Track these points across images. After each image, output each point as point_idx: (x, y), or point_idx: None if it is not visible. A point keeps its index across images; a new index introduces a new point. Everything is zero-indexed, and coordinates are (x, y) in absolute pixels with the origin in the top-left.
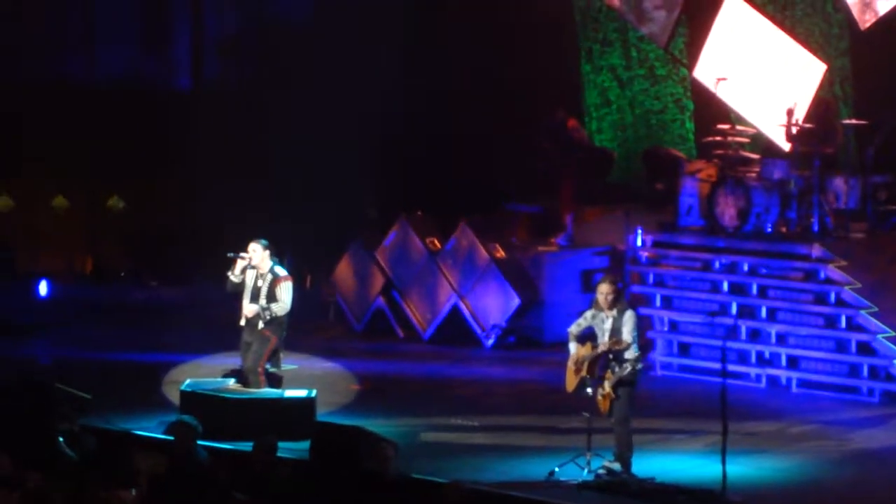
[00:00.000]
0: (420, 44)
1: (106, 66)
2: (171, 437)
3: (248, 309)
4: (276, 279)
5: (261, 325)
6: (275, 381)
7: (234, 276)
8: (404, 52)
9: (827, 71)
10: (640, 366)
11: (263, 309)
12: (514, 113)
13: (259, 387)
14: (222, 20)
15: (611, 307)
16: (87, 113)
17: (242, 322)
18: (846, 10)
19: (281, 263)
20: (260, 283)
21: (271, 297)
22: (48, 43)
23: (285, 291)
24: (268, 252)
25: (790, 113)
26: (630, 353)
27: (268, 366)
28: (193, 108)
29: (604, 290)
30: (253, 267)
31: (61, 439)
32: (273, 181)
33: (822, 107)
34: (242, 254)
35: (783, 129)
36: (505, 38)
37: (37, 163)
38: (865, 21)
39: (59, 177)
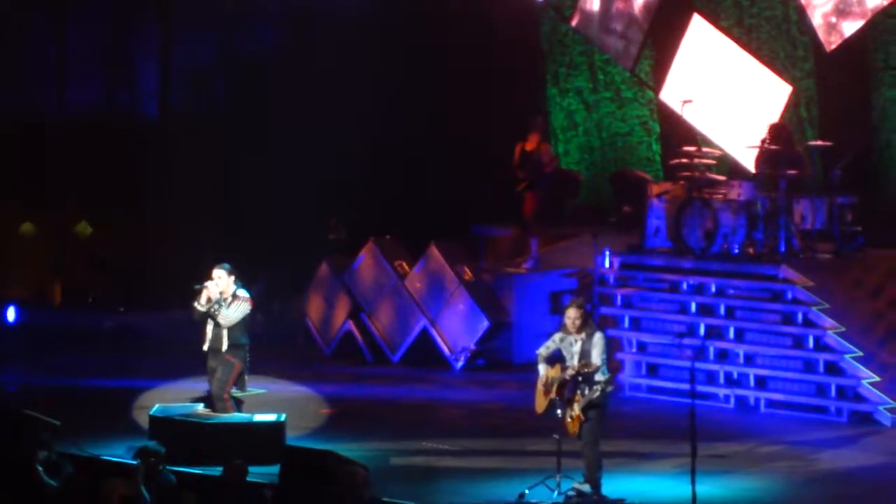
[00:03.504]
0: (388, 69)
1: (74, 96)
2: (137, 462)
3: (213, 286)
4: (234, 298)
5: (224, 348)
6: (237, 404)
7: (200, 305)
8: (373, 78)
9: (792, 92)
10: (609, 388)
11: (216, 303)
12: (483, 136)
13: (226, 412)
14: (189, 50)
15: (579, 330)
16: (55, 141)
17: (205, 348)
18: (811, 32)
19: (246, 287)
20: (224, 304)
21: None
22: (17, 73)
23: (235, 308)
24: (232, 277)
25: (763, 143)
26: (599, 376)
27: (234, 389)
28: (161, 136)
29: (571, 315)
30: (220, 293)
31: (40, 468)
32: (242, 207)
33: (776, 131)
34: (208, 283)
35: (751, 154)
36: (474, 61)
37: (3, 189)
38: (831, 43)
39: (27, 203)
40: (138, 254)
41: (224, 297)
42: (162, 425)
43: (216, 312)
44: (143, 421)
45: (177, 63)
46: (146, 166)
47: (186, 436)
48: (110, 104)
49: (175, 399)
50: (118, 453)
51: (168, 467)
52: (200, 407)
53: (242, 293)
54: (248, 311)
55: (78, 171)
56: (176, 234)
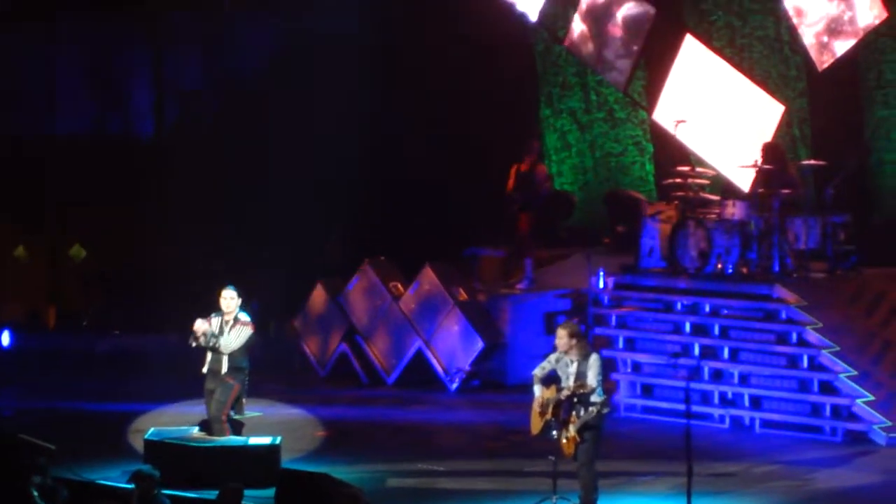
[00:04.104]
0: (381, 90)
1: (67, 116)
2: (132, 487)
3: (199, 324)
4: (236, 321)
5: (224, 370)
6: (236, 427)
7: (196, 343)
8: (366, 99)
9: (785, 112)
10: (605, 410)
11: (211, 335)
12: (477, 157)
13: (223, 434)
14: (183, 69)
15: (574, 352)
16: (47, 162)
17: (205, 370)
18: (804, 52)
19: (245, 309)
20: (226, 328)
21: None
22: (9, 94)
23: (236, 333)
24: (240, 300)
25: (756, 162)
26: (595, 397)
27: (231, 413)
28: (155, 156)
29: (561, 335)
30: (224, 315)
31: (35, 493)
32: (237, 228)
33: (769, 151)
34: (196, 325)
35: (745, 174)
36: (466, 82)
37: None
38: (823, 62)
39: (20, 226)
40: (133, 275)
41: (226, 319)
42: (157, 449)
43: (216, 344)
44: (139, 445)
45: (169, 82)
46: (141, 187)
47: (181, 459)
48: (103, 125)
49: (170, 422)
50: (113, 477)
51: (163, 491)
52: (195, 430)
53: (244, 317)
54: (249, 336)
55: (72, 193)
56: (172, 256)
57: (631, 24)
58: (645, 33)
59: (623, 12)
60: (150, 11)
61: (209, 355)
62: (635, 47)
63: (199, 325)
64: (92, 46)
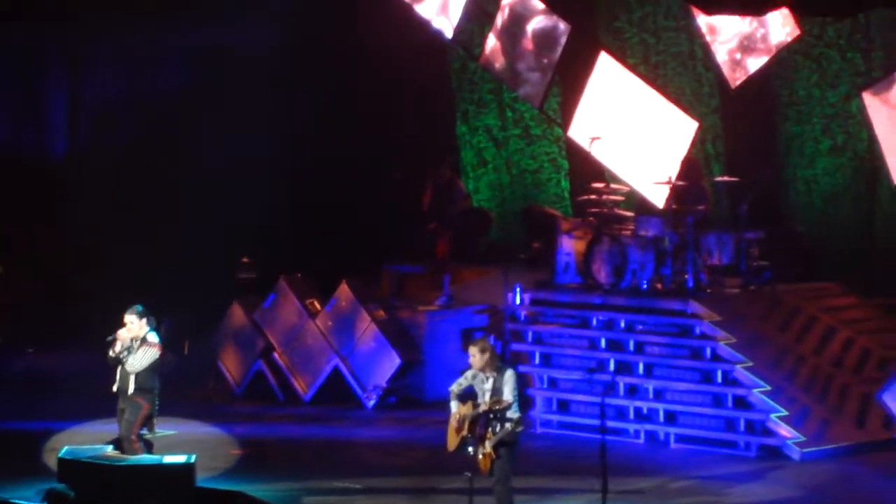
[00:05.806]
0: (298, 109)
1: None
2: None
3: (123, 332)
4: (143, 342)
5: (131, 389)
6: (148, 446)
7: (113, 352)
8: (284, 115)
9: (699, 128)
10: (519, 429)
11: (125, 349)
12: (395, 174)
13: (134, 453)
14: (98, 88)
15: (489, 368)
16: None
17: (114, 388)
18: (717, 69)
19: (156, 330)
20: (134, 346)
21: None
22: None
23: (142, 354)
24: (144, 319)
25: (671, 179)
26: (511, 413)
27: (142, 431)
28: (68, 173)
29: (473, 353)
30: (131, 339)
31: None
32: (153, 246)
33: (687, 166)
34: (120, 332)
35: (659, 190)
36: (384, 99)
37: None
38: (735, 79)
39: None
40: (48, 293)
41: (135, 340)
42: (71, 468)
43: (125, 359)
44: (53, 463)
45: (85, 101)
46: (55, 205)
47: (96, 478)
48: (16, 140)
49: (85, 441)
50: (27, 496)
51: None
52: (110, 449)
53: (152, 338)
54: (155, 357)
55: None
56: (86, 274)
57: (541, 37)
58: (557, 48)
59: (533, 25)
60: (67, 27)
61: (118, 373)
62: (546, 60)
63: (123, 334)
64: (6, 61)
